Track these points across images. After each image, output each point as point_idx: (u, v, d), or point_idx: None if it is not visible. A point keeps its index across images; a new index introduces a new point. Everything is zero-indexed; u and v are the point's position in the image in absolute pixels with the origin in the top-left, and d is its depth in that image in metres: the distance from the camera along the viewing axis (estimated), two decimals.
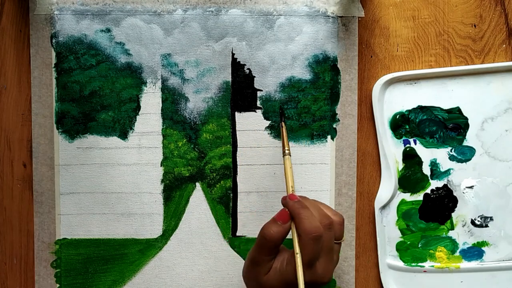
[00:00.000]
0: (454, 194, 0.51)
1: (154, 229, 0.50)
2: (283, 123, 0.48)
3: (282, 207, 0.43)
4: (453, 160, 0.51)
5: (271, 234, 0.41)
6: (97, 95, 0.49)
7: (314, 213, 0.42)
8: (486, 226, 0.51)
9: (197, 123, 0.50)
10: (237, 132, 0.50)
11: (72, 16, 0.49)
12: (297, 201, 0.42)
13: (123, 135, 0.50)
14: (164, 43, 0.49)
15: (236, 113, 0.50)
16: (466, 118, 0.51)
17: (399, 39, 0.51)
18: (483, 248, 0.51)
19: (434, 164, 0.51)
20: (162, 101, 0.50)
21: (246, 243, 0.51)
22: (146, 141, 0.50)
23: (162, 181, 0.50)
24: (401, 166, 0.51)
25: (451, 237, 0.51)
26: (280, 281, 0.41)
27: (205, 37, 0.50)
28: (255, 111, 0.50)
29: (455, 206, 0.51)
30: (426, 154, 0.51)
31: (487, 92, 0.50)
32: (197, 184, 0.50)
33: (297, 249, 0.40)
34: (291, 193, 0.43)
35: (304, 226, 0.40)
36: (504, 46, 0.51)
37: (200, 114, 0.50)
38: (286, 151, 0.45)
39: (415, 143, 0.51)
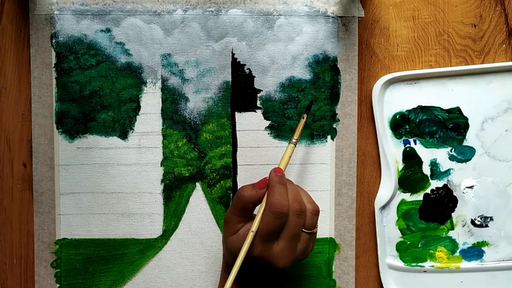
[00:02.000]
0: (454, 194, 0.51)
1: (154, 229, 0.50)
2: (305, 114, 0.48)
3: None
4: (453, 160, 0.51)
5: (243, 195, 0.42)
6: (97, 95, 0.49)
7: (290, 194, 0.42)
8: (486, 226, 0.51)
9: (197, 123, 0.50)
10: (237, 132, 0.50)
11: (72, 16, 0.49)
12: (279, 176, 0.43)
13: (123, 135, 0.50)
14: (164, 43, 0.49)
15: (236, 113, 0.50)
16: (466, 118, 0.51)
17: (399, 39, 0.51)
18: (483, 248, 0.51)
19: (434, 164, 0.51)
20: (162, 101, 0.50)
21: None
22: (146, 141, 0.50)
23: (162, 181, 0.50)
24: (401, 166, 0.51)
25: (451, 237, 0.51)
26: (240, 246, 0.41)
27: (205, 37, 0.50)
28: (255, 111, 0.50)
29: (455, 206, 0.51)
30: (426, 154, 0.51)
31: (487, 92, 0.50)
32: (197, 184, 0.50)
33: (254, 226, 0.41)
34: (279, 167, 0.44)
35: (272, 199, 0.41)
36: (504, 46, 0.51)
37: (200, 114, 0.50)
38: (294, 140, 0.46)
39: (415, 143, 0.51)
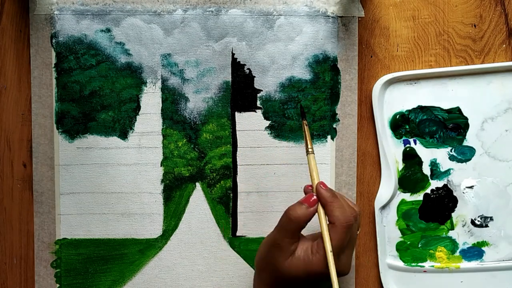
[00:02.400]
0: (454, 194, 0.51)
1: (154, 229, 0.50)
2: (305, 121, 0.47)
3: (306, 194, 0.43)
4: (453, 160, 0.51)
5: (297, 215, 0.41)
6: (97, 95, 0.49)
7: (344, 204, 0.42)
8: (486, 226, 0.51)
9: (197, 123, 0.50)
10: (237, 132, 0.50)
11: (72, 16, 0.49)
12: (329, 190, 0.42)
13: (123, 135, 0.50)
14: (164, 43, 0.49)
15: (236, 113, 0.50)
16: (466, 118, 0.51)
17: (399, 39, 0.51)
18: (483, 248, 0.51)
19: (434, 164, 0.51)
20: (162, 101, 0.50)
21: (246, 243, 0.51)
22: (146, 141, 0.50)
23: (162, 181, 0.50)
24: (401, 166, 0.51)
25: (451, 237, 0.51)
26: (303, 270, 0.41)
27: (205, 37, 0.50)
28: (255, 111, 0.50)
29: (455, 206, 0.51)
30: (426, 154, 0.51)
31: (487, 92, 0.50)
32: (197, 184, 0.50)
33: (327, 245, 0.40)
34: (321, 181, 0.43)
35: (339, 215, 0.40)
36: (504, 46, 0.51)
37: (200, 114, 0.50)
38: (310, 150, 0.45)
39: (415, 143, 0.51)
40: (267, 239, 0.43)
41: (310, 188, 0.44)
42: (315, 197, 0.42)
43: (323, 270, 0.40)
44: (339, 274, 0.41)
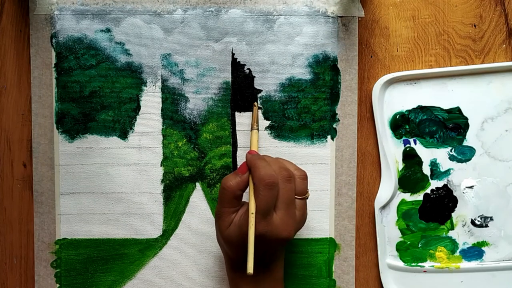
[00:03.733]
0: (454, 194, 0.51)
1: (154, 229, 0.50)
2: (256, 102, 0.49)
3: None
4: (453, 160, 0.51)
5: (229, 184, 0.43)
6: (97, 95, 0.49)
7: (273, 165, 0.43)
8: (486, 226, 0.51)
9: (197, 123, 0.50)
10: (237, 132, 0.50)
11: (72, 16, 0.49)
12: (255, 154, 0.44)
13: (123, 135, 0.50)
14: (164, 43, 0.49)
15: (236, 113, 0.50)
16: (466, 118, 0.51)
17: (399, 39, 0.51)
18: (483, 248, 0.51)
19: (434, 164, 0.51)
20: (162, 101, 0.50)
21: None
22: (146, 141, 0.50)
23: (162, 181, 0.50)
24: (401, 166, 0.51)
25: (451, 237, 0.51)
26: (238, 233, 0.42)
27: (205, 37, 0.50)
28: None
29: (455, 206, 0.51)
30: (426, 154, 0.51)
31: (487, 92, 0.50)
32: (197, 184, 0.50)
33: (252, 206, 0.41)
34: (251, 149, 0.46)
35: (259, 173, 0.41)
36: (504, 46, 0.51)
37: (200, 114, 0.50)
38: (254, 126, 0.48)
39: (415, 143, 0.51)
40: (216, 209, 0.44)
41: None
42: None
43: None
44: (277, 237, 0.41)
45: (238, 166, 0.46)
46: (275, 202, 0.42)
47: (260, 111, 0.50)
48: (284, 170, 0.42)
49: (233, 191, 0.43)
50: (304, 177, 0.44)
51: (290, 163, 0.45)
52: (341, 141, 0.50)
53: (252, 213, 0.41)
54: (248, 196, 0.42)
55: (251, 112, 0.50)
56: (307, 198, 0.45)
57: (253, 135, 0.47)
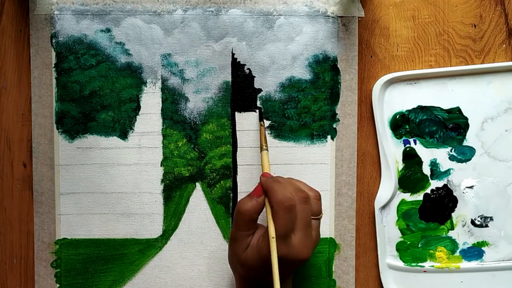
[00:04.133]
0: (454, 194, 0.51)
1: (154, 229, 0.50)
2: (262, 122, 0.49)
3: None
4: (453, 160, 0.51)
5: (245, 208, 0.42)
6: (97, 95, 0.49)
7: (288, 187, 0.42)
8: (486, 226, 0.51)
9: (197, 123, 0.50)
10: (237, 132, 0.50)
11: (72, 16, 0.49)
12: (270, 177, 0.43)
13: (123, 135, 0.50)
14: (164, 43, 0.49)
15: (236, 113, 0.50)
16: (466, 118, 0.51)
17: (399, 39, 0.51)
18: (483, 248, 0.51)
19: (434, 164, 0.51)
20: (162, 101, 0.50)
21: None
22: (146, 141, 0.50)
23: (162, 181, 0.50)
24: (401, 166, 0.51)
25: (451, 237, 0.51)
26: (257, 256, 0.41)
27: (205, 37, 0.50)
28: (255, 111, 0.50)
29: (455, 206, 0.51)
30: (426, 154, 0.51)
31: (487, 92, 0.50)
32: (197, 184, 0.50)
33: (271, 230, 0.40)
34: (265, 171, 0.45)
35: (276, 197, 0.41)
36: (504, 46, 0.51)
37: (200, 114, 0.50)
38: (264, 147, 0.47)
39: (415, 143, 0.51)
40: (231, 233, 0.44)
41: None
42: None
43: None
44: (296, 259, 0.41)
45: (252, 188, 0.45)
46: (293, 225, 0.41)
47: (267, 132, 0.50)
48: (300, 191, 0.42)
49: (250, 215, 0.42)
50: (319, 197, 0.44)
51: (303, 183, 0.45)
52: (341, 141, 0.50)
53: (273, 238, 0.40)
54: (266, 219, 0.42)
55: (259, 132, 0.49)
56: (321, 218, 0.45)
57: (263, 156, 0.46)
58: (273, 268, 0.39)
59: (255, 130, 0.50)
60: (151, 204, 0.50)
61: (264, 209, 0.43)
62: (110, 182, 0.50)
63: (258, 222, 0.44)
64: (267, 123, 0.50)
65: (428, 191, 0.51)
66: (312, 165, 0.50)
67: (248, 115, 0.50)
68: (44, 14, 0.49)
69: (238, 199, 0.50)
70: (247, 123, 0.50)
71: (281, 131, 0.50)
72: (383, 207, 0.51)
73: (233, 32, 0.50)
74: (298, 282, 0.51)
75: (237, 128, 0.50)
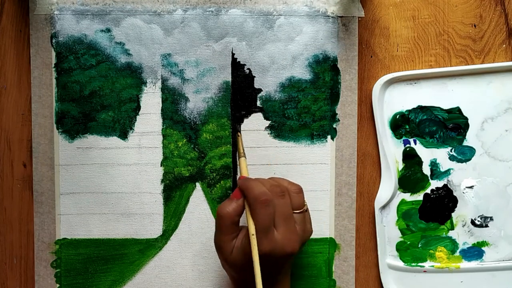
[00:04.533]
0: (454, 194, 0.51)
1: (154, 229, 0.50)
2: (239, 132, 0.50)
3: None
4: (453, 160, 0.51)
5: (226, 211, 0.43)
6: (97, 95, 0.49)
7: (265, 184, 0.43)
8: (486, 226, 0.51)
9: (197, 123, 0.50)
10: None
11: (72, 16, 0.49)
12: (246, 177, 0.44)
13: (123, 135, 0.50)
14: (164, 43, 0.49)
15: (236, 113, 0.50)
16: (466, 118, 0.51)
17: (399, 39, 0.51)
18: (483, 248, 0.51)
19: (434, 164, 0.51)
20: (162, 101, 0.50)
21: None
22: (146, 141, 0.50)
23: (162, 181, 0.50)
24: (401, 166, 0.51)
25: (451, 237, 0.51)
26: (243, 256, 0.42)
27: (205, 37, 0.50)
28: (255, 112, 0.50)
29: (455, 206, 0.51)
30: (426, 154, 0.51)
31: (487, 92, 0.50)
32: (197, 184, 0.50)
33: (251, 228, 0.41)
34: (242, 175, 0.45)
35: (253, 193, 0.41)
36: (504, 46, 0.51)
37: (200, 114, 0.50)
38: (242, 154, 0.48)
39: (415, 143, 0.51)
40: (215, 237, 0.44)
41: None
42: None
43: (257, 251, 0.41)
44: (282, 254, 0.41)
45: (232, 191, 0.46)
46: (273, 220, 0.41)
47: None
48: (276, 186, 0.43)
49: (230, 217, 0.43)
50: (299, 190, 0.44)
51: (283, 179, 0.45)
52: (341, 141, 0.50)
53: (253, 234, 0.41)
54: (246, 219, 0.42)
55: (237, 140, 0.50)
56: (306, 210, 0.44)
57: (241, 163, 0.47)
58: (254, 265, 0.40)
59: (255, 130, 0.50)
60: (151, 204, 0.50)
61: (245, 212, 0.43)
62: (110, 182, 0.50)
63: (240, 224, 0.44)
64: (267, 123, 0.50)
65: (428, 191, 0.51)
66: (312, 165, 0.50)
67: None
68: (44, 14, 0.49)
69: None
70: (247, 123, 0.50)
71: (281, 131, 0.50)
72: (383, 207, 0.51)
73: (233, 32, 0.50)
74: (298, 282, 0.51)
75: (237, 128, 0.50)
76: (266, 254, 0.41)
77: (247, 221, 0.42)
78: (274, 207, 0.41)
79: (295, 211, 0.43)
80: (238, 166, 0.47)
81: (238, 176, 0.46)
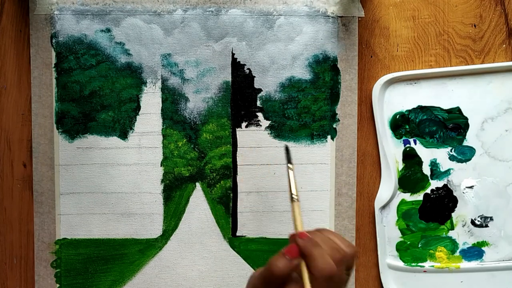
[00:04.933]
0: (454, 194, 0.51)
1: (154, 229, 0.50)
2: (290, 165, 0.41)
3: (291, 243, 0.40)
4: (453, 160, 0.51)
5: (279, 269, 0.38)
6: (97, 95, 0.49)
7: (326, 248, 0.39)
8: (486, 226, 0.51)
9: (197, 123, 0.50)
10: (237, 132, 0.50)
11: (72, 16, 0.49)
12: (308, 239, 0.40)
13: (123, 135, 0.50)
14: (164, 43, 0.49)
15: (236, 113, 0.50)
16: (466, 118, 0.51)
17: (399, 39, 0.51)
18: (483, 248, 0.51)
19: (434, 164, 0.51)
20: (162, 101, 0.50)
21: (246, 243, 0.51)
22: (146, 141, 0.50)
23: (162, 181, 0.50)
24: (401, 166, 0.51)
25: (451, 237, 0.51)
26: None
27: (205, 37, 0.50)
28: (257, 113, 0.50)
29: (455, 206, 0.51)
30: (426, 154, 0.51)
31: (487, 92, 0.50)
32: (197, 184, 0.50)
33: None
34: (300, 231, 0.40)
35: (317, 265, 0.38)
36: (504, 46, 0.51)
37: (200, 114, 0.50)
38: (294, 197, 0.40)
39: (415, 143, 0.51)
40: (255, 280, 0.40)
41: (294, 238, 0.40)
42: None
43: None
44: None
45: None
46: None
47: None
48: (337, 252, 0.39)
49: (282, 277, 0.38)
50: (355, 255, 0.41)
51: (340, 237, 0.41)
52: (341, 141, 0.50)
53: None
54: (303, 283, 0.38)
55: (287, 178, 0.41)
56: (351, 272, 0.41)
57: (295, 209, 0.40)
58: None
59: (255, 130, 0.50)
60: (151, 204, 0.50)
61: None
62: (110, 182, 0.50)
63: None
64: (267, 123, 0.50)
65: (428, 191, 0.51)
66: (312, 165, 0.50)
67: (249, 115, 0.50)
68: (44, 14, 0.49)
69: (238, 199, 0.50)
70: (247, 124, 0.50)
71: (281, 131, 0.50)
72: (383, 207, 0.51)
73: (233, 32, 0.50)
74: None
75: (237, 128, 0.50)
76: None
77: (305, 285, 0.38)
78: (336, 278, 0.38)
79: (346, 272, 0.40)
80: (292, 214, 0.40)
81: (293, 232, 0.40)
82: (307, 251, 0.39)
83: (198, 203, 0.50)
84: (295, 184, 0.40)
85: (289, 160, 0.41)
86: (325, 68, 0.50)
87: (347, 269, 0.41)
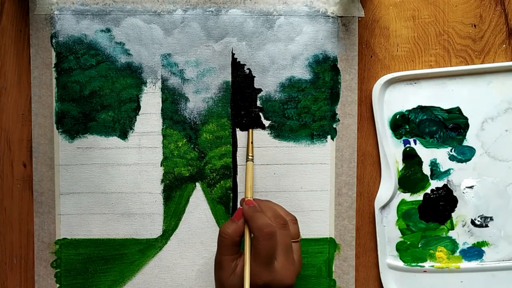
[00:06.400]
0: (454, 194, 0.51)
1: (154, 229, 0.50)
2: (251, 129, 0.49)
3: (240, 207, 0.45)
4: (453, 160, 0.51)
5: (228, 231, 0.43)
6: (97, 95, 0.49)
7: (268, 213, 0.44)
8: (486, 226, 0.51)
9: (197, 123, 0.50)
10: (237, 132, 0.50)
11: (72, 16, 0.49)
12: (252, 206, 0.44)
13: (123, 135, 0.50)
14: (164, 43, 0.49)
15: (236, 113, 0.50)
16: (466, 118, 0.51)
17: (399, 39, 0.51)
18: (483, 248, 0.51)
19: (434, 164, 0.51)
20: (162, 101, 0.50)
21: None
22: (146, 141, 0.50)
23: (162, 181, 0.50)
24: (401, 166, 0.51)
25: (451, 237, 0.51)
26: (241, 284, 0.42)
27: (205, 37, 0.50)
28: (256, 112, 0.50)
29: (455, 206, 0.51)
30: (426, 154, 0.51)
31: (487, 92, 0.50)
32: (197, 184, 0.50)
33: (246, 259, 0.42)
34: (248, 198, 0.45)
35: (257, 224, 0.42)
36: (504, 46, 0.51)
37: (200, 114, 0.50)
38: (250, 157, 0.48)
39: (415, 143, 0.51)
40: (214, 261, 0.44)
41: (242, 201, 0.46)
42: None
43: (254, 284, 0.41)
44: (280, 285, 0.41)
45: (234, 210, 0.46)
46: (275, 251, 0.42)
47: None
48: (278, 217, 0.43)
49: (232, 237, 0.43)
50: (295, 221, 0.45)
51: (280, 207, 0.46)
52: (341, 141, 0.50)
53: (247, 265, 0.41)
54: (244, 245, 0.43)
55: (248, 137, 0.49)
56: (299, 240, 0.45)
57: (248, 169, 0.47)
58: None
59: (255, 130, 0.50)
60: (151, 204, 0.50)
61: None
62: (110, 182, 0.50)
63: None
64: (267, 123, 0.50)
65: (428, 191, 0.51)
66: (312, 165, 0.50)
67: (248, 115, 0.50)
68: (44, 14, 0.49)
69: (238, 199, 0.50)
70: (247, 124, 0.50)
71: (281, 131, 0.50)
72: (383, 207, 0.51)
73: (233, 32, 0.50)
74: (298, 282, 0.51)
75: (237, 128, 0.50)
76: (266, 284, 0.41)
77: (245, 251, 0.42)
78: (277, 239, 0.42)
79: (292, 240, 0.44)
80: (245, 169, 0.47)
81: (241, 199, 0.46)
82: (249, 215, 0.44)
83: (198, 203, 0.50)
84: (251, 146, 0.48)
85: (252, 126, 0.49)
86: (325, 68, 0.50)
87: (293, 237, 0.44)
